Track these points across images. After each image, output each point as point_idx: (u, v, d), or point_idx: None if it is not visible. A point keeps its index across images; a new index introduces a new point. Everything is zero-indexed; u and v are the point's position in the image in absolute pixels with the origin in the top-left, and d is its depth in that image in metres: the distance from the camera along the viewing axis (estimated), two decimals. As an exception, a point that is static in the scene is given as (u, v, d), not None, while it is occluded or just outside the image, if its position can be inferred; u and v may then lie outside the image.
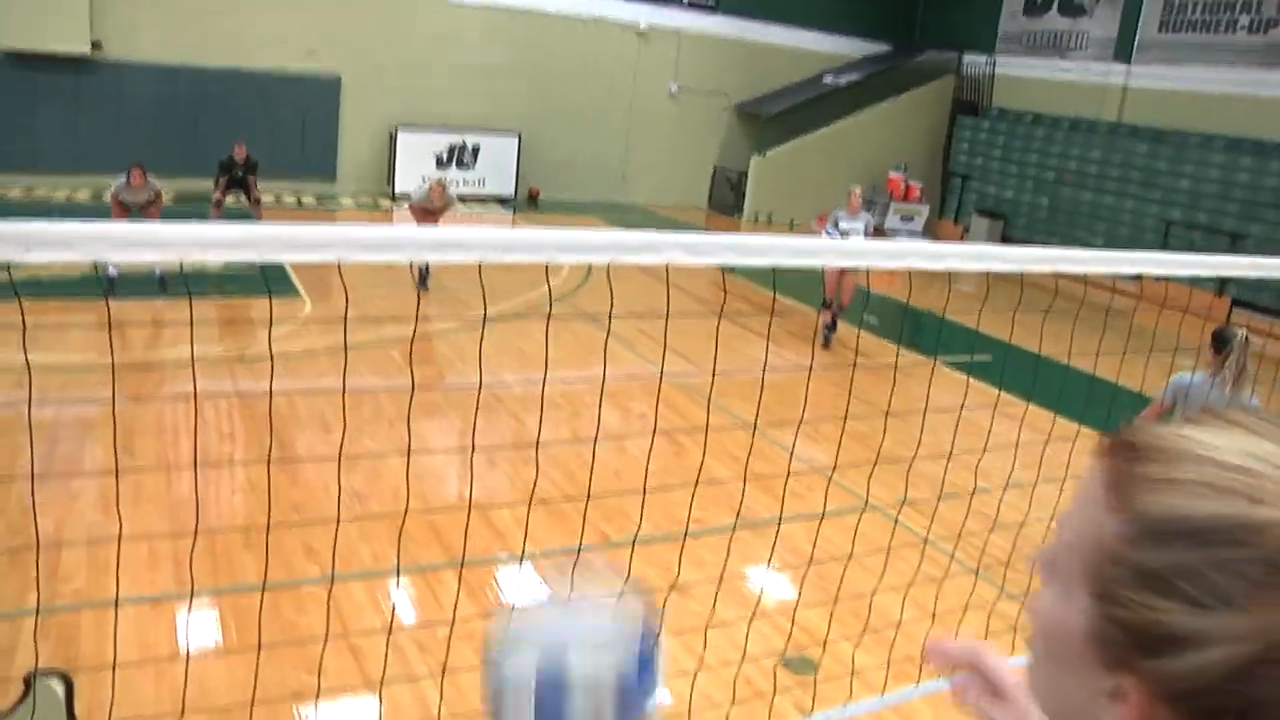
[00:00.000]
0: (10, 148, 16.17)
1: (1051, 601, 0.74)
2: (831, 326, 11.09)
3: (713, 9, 21.49)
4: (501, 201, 19.71)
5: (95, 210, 14.51)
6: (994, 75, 21.63)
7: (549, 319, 9.97)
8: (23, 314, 1.99)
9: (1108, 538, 0.68)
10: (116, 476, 5.77)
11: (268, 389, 7.81)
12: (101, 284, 9.90)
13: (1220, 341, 5.23)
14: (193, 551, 5.13)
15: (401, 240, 1.62)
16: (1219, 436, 0.68)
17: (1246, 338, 5.20)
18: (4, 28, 15.81)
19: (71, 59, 16.26)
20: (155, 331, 9.65)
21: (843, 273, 10.72)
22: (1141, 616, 0.65)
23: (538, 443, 6.66)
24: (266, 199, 15.10)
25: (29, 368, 2.43)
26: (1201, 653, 0.63)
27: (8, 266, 1.43)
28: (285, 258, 1.47)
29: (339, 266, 1.54)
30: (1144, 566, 0.65)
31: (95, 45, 16.42)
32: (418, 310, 10.62)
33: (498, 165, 19.70)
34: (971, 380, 9.04)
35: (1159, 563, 0.65)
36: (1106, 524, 0.68)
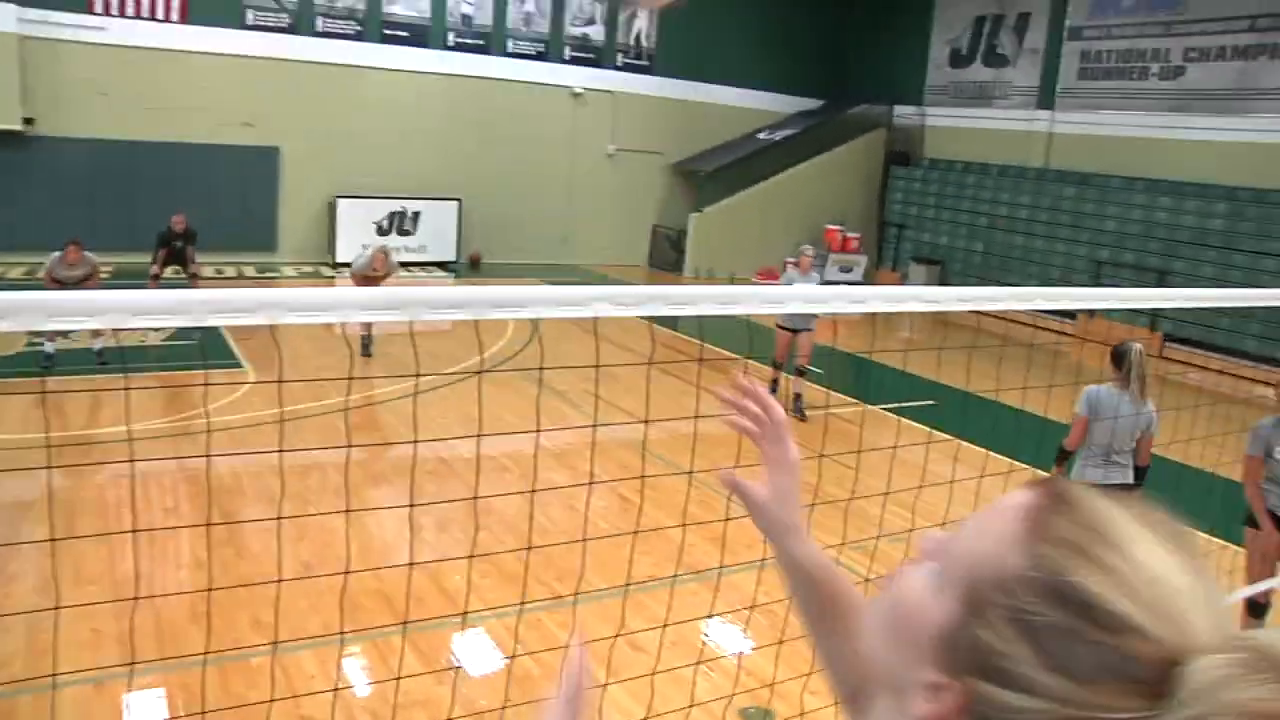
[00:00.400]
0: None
1: (920, 583, 0.79)
2: (778, 390, 10.64)
3: (646, 70, 21.88)
4: (443, 266, 19.76)
5: (30, 288, 14.29)
6: (924, 126, 22.21)
7: (481, 379, 9.98)
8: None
9: (1006, 568, 0.72)
10: (54, 556, 5.67)
11: (210, 461, 7.73)
12: (39, 360, 9.77)
13: (1118, 356, 5.64)
14: (132, 621, 5.05)
15: (336, 300, 1.67)
16: (1141, 534, 0.72)
17: (1141, 351, 5.64)
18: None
19: (2, 134, 16.14)
20: (95, 406, 9.52)
21: (796, 332, 10.56)
22: (998, 647, 0.70)
23: (475, 498, 6.65)
24: (206, 271, 15.01)
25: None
26: (1027, 699, 0.68)
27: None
28: (219, 321, 1.51)
29: (275, 334, 1.58)
30: (1026, 611, 0.70)
31: (27, 121, 16.34)
32: (346, 376, 10.58)
33: (439, 231, 19.78)
34: (906, 422, 9.19)
35: (1041, 617, 0.69)
36: (1010, 556, 0.73)
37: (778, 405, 1.44)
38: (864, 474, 6.12)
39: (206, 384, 10.00)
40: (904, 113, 22.59)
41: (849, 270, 21.25)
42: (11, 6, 15.94)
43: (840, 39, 23.59)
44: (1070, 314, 16.52)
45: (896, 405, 9.96)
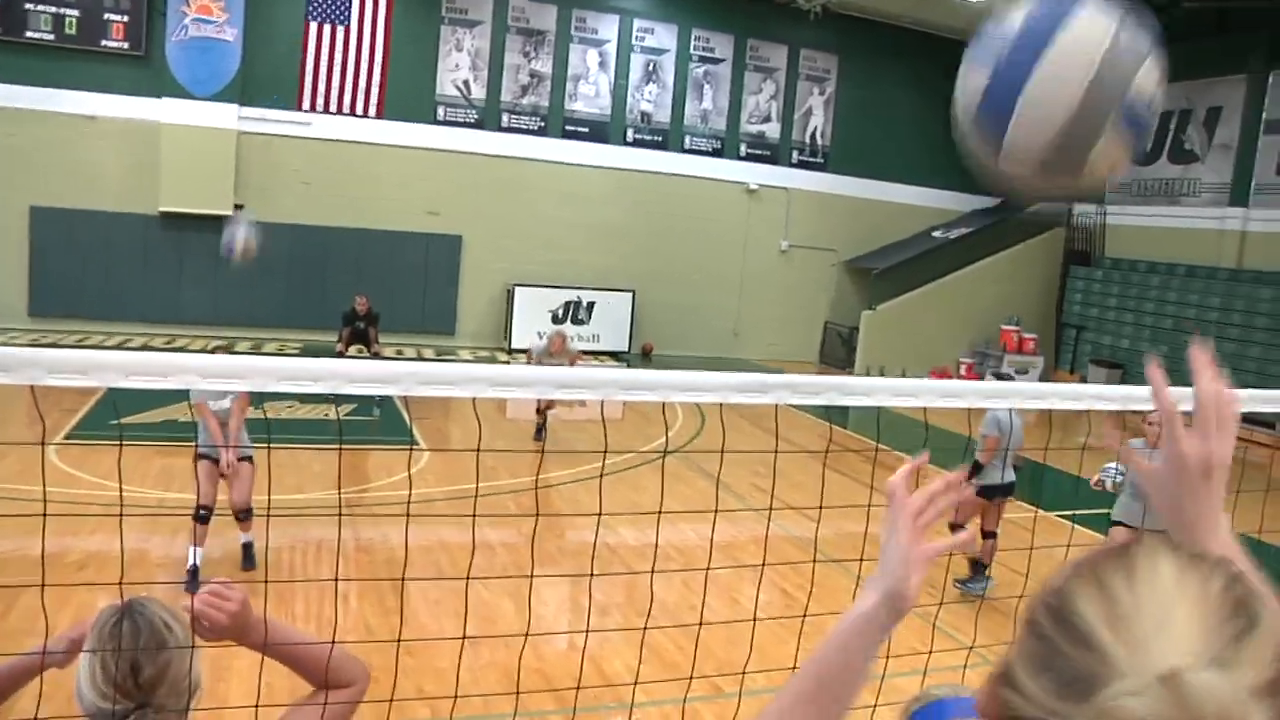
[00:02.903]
0: (159, 301, 17.29)
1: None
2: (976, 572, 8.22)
3: (821, 167, 22.02)
4: (615, 356, 20.11)
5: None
6: (1105, 225, 21.55)
7: (649, 467, 10.04)
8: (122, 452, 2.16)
9: (1045, 588, 0.82)
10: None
11: (384, 534, 7.99)
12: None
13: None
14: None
15: (529, 378, 1.75)
16: (1164, 564, 0.78)
17: None
18: (160, 192, 17.11)
19: (215, 218, 17.42)
20: (278, 475, 9.98)
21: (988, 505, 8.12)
22: (1014, 653, 0.80)
23: (651, 593, 6.66)
24: (387, 351, 15.69)
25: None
26: (1018, 698, 0.77)
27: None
28: (425, 392, 1.60)
29: (450, 413, 1.66)
30: (1036, 622, 0.80)
31: (237, 206, 17.60)
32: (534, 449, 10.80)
33: (612, 321, 20.18)
34: (1081, 530, 8.77)
35: (1040, 628, 0.79)
36: (1055, 580, 0.82)
37: (1167, 395, 1.33)
38: (1034, 581, 5.87)
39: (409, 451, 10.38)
40: (1084, 211, 21.99)
41: (1025, 373, 20.64)
42: (234, 106, 17.33)
43: (1019, 137, 23.23)
44: (1271, 423, 15.58)
45: (1071, 513, 9.55)
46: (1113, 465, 7.31)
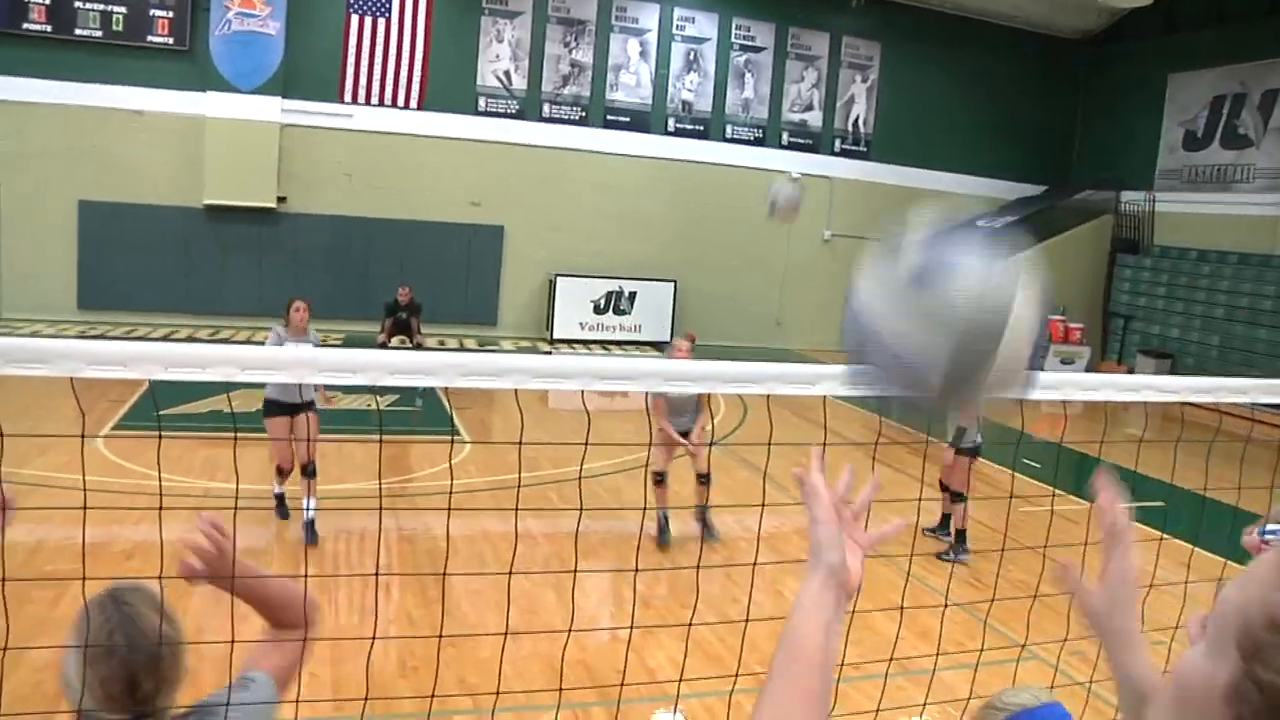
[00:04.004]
0: (203, 293, 17.50)
1: (1198, 656, 0.81)
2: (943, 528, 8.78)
3: (863, 155, 21.83)
4: (657, 347, 20.07)
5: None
6: (1154, 212, 21.19)
7: (708, 460, 9.98)
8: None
9: (1271, 607, 0.75)
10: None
11: (426, 524, 8.02)
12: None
13: None
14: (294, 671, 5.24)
15: (569, 369, 1.71)
16: None
17: None
18: (204, 185, 17.30)
19: (258, 210, 17.60)
20: (321, 466, 10.03)
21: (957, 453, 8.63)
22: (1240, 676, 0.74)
23: (697, 585, 6.63)
24: (430, 342, 15.75)
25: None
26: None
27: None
28: (461, 384, 1.58)
29: (492, 404, 1.63)
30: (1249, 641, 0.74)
31: (280, 199, 17.75)
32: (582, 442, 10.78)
33: (654, 311, 20.13)
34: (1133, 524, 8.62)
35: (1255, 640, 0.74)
36: (1271, 597, 0.75)
37: (1125, 516, 1.51)
38: (1087, 576, 5.77)
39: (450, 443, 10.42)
40: (1132, 198, 21.63)
41: (1070, 363, 20.37)
42: (276, 99, 17.46)
43: (1064, 123, 22.93)
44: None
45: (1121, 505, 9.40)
46: (1276, 525, 7.07)
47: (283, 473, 8.03)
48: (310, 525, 7.79)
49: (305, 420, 7.82)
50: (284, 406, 7.87)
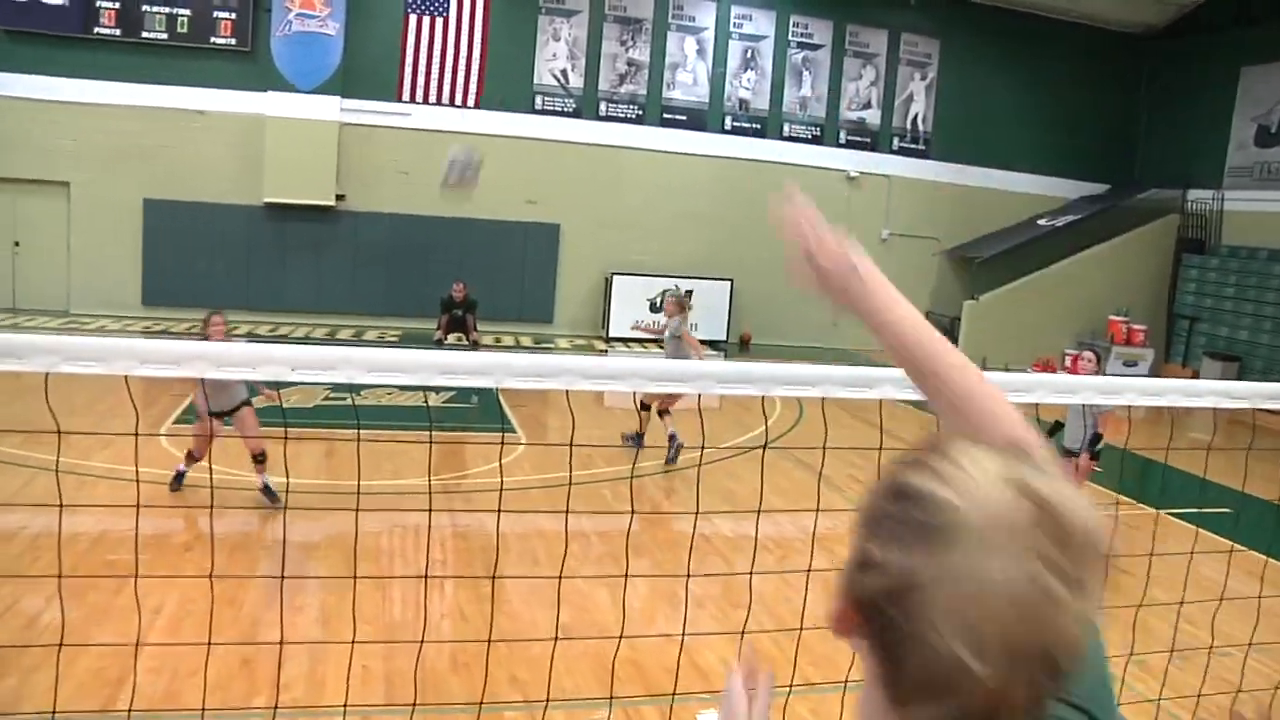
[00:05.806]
0: (263, 289, 17.76)
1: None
2: None
3: (923, 154, 21.59)
4: (713, 345, 20.01)
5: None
6: (1222, 211, 20.71)
7: (747, 458, 9.95)
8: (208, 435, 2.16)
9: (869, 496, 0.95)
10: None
11: (480, 520, 8.05)
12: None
13: None
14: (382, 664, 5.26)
15: (621, 370, 1.69)
16: (974, 454, 0.91)
17: None
18: (264, 183, 17.57)
19: (317, 208, 17.82)
20: (375, 461, 10.11)
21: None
22: (860, 545, 0.92)
23: (750, 587, 6.59)
24: (486, 340, 15.84)
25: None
26: (874, 576, 0.88)
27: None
28: (512, 385, 1.57)
29: (562, 399, 1.62)
30: (874, 511, 0.92)
31: (339, 197, 17.96)
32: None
33: (710, 310, 20.04)
34: (1201, 532, 8.44)
35: (882, 510, 0.91)
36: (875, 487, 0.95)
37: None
38: (1152, 586, 5.65)
39: (499, 443, 10.46)
40: (1199, 197, 21.16)
41: (1133, 365, 19.99)
42: (335, 98, 17.67)
43: (1129, 120, 22.49)
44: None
45: (1185, 511, 9.20)
46: None
47: (193, 459, 8.27)
48: (267, 487, 8.18)
49: (244, 416, 8.31)
50: (215, 413, 8.24)
